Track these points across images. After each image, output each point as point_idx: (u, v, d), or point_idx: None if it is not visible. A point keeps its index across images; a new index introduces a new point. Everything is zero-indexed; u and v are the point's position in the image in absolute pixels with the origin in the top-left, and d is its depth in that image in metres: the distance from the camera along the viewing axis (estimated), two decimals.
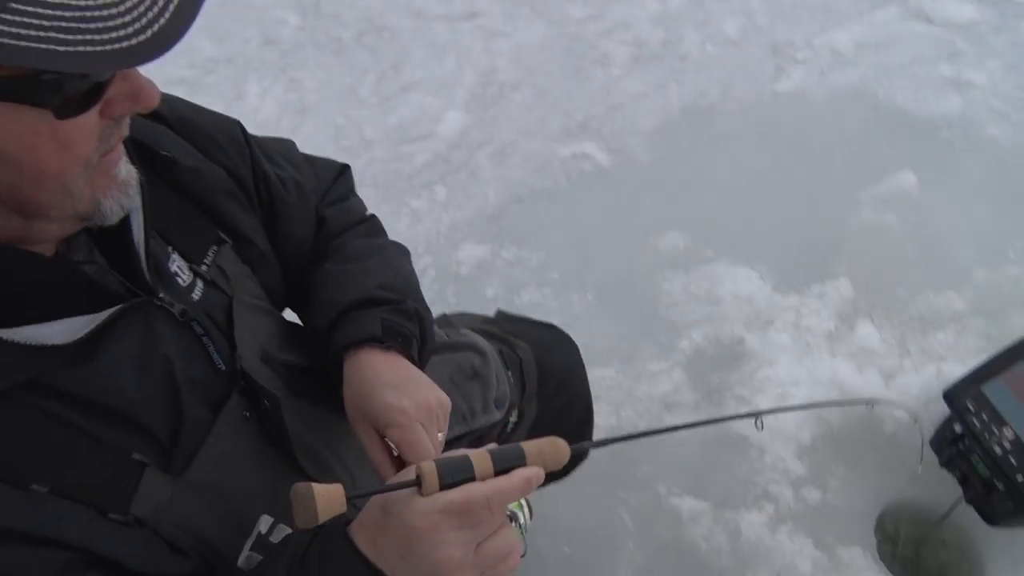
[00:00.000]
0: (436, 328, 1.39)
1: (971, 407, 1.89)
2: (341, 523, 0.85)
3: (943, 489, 2.04)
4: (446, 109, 3.71)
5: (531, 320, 1.81)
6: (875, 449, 2.15)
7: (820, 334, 2.38)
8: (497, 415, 1.44)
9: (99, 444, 0.83)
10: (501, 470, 0.85)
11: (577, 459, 1.49)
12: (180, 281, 0.97)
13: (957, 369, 2.01)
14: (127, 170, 0.80)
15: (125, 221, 0.85)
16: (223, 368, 0.98)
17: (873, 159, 2.97)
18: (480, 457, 0.84)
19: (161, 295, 0.90)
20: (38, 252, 0.78)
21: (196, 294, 0.99)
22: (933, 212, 2.74)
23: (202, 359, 0.96)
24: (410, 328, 1.13)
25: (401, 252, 1.33)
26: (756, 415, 1.26)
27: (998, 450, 1.82)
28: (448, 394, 1.10)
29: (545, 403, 1.59)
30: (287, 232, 1.21)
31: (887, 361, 2.30)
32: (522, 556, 0.92)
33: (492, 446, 0.89)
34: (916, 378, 2.20)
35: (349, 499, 0.79)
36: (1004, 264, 2.51)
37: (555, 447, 0.90)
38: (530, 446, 0.88)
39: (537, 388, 1.56)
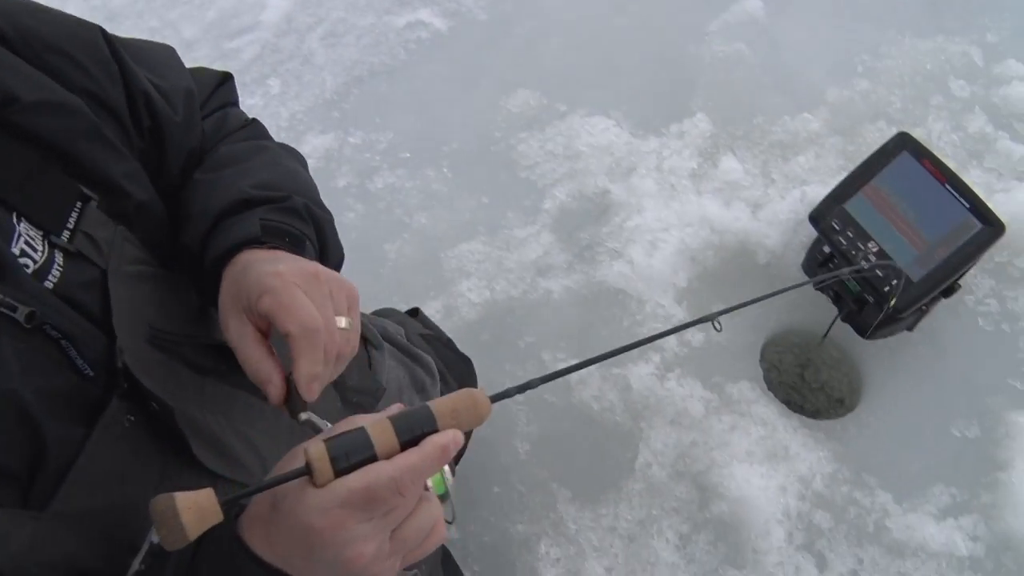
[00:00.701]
0: (395, 324, 1.53)
1: (836, 226, 1.88)
2: (229, 521, 0.70)
3: (819, 311, 2.06)
4: None
5: (453, 345, 1.83)
6: (751, 282, 2.14)
7: (684, 174, 2.32)
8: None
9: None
10: (408, 441, 0.69)
11: None
12: (28, 262, 0.75)
13: (821, 191, 2.00)
14: None
15: None
16: (91, 374, 0.79)
17: None
18: (380, 428, 0.68)
19: None
20: None
21: (53, 276, 0.78)
22: (781, 36, 2.68)
23: (63, 367, 0.77)
24: (299, 227, 0.97)
25: (290, 153, 1.15)
26: (711, 318, 1.15)
27: (865, 264, 1.82)
28: (400, 394, 1.26)
29: None
30: (177, 161, 1.01)
31: (753, 192, 2.26)
32: (450, 523, 0.79)
33: (396, 407, 0.74)
34: (783, 205, 2.19)
35: (225, 505, 0.64)
36: (854, 79, 2.49)
37: (472, 401, 0.72)
38: (441, 405, 0.71)
39: None
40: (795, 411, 2.01)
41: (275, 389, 0.82)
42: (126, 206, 0.89)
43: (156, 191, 0.96)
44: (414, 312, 1.84)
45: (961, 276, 1.82)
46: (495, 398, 0.75)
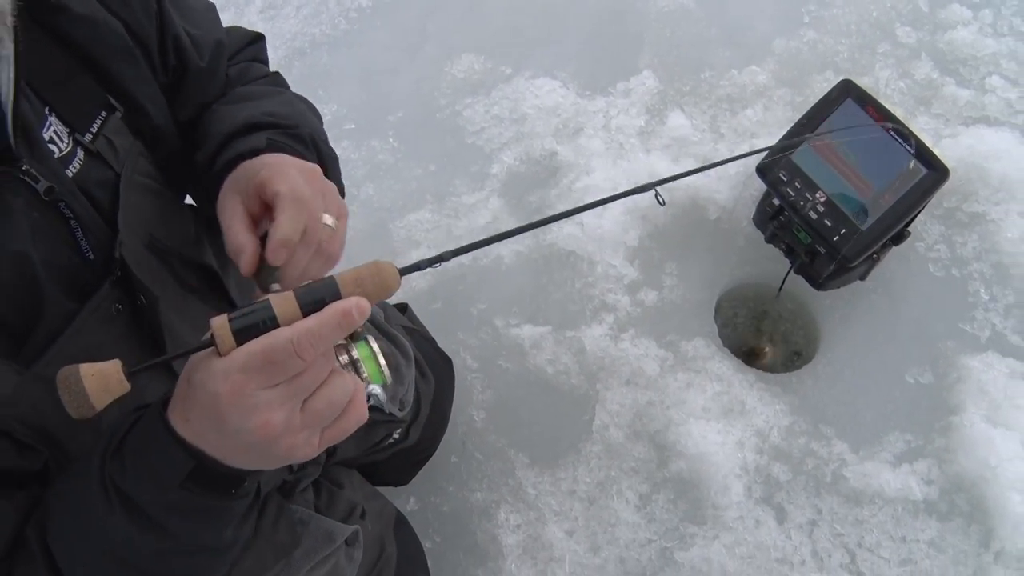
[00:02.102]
0: (376, 307, 1.58)
1: (784, 177, 1.87)
2: (160, 401, 0.75)
3: (772, 264, 2.05)
4: None
5: (434, 342, 1.85)
6: (703, 238, 2.12)
7: (632, 132, 2.29)
8: (397, 412, 1.48)
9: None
10: (312, 312, 0.68)
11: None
12: (55, 150, 0.85)
13: (769, 143, 1.97)
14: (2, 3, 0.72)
15: None
16: (91, 257, 0.88)
17: None
18: (282, 299, 0.69)
19: (25, 167, 0.78)
20: None
21: (74, 167, 0.87)
22: None
23: (68, 245, 0.86)
24: (303, 152, 1.02)
25: (304, 101, 1.25)
26: (651, 187, 1.16)
27: (814, 215, 1.81)
28: None
29: (422, 437, 1.67)
30: (195, 99, 1.10)
31: (702, 148, 2.24)
32: (400, 420, 0.83)
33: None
34: None
35: (131, 374, 0.68)
36: (800, 29, 2.46)
37: (377, 269, 0.73)
38: (345, 275, 0.72)
39: (424, 424, 1.64)
40: (753, 365, 2.01)
41: (247, 258, 0.86)
42: (145, 125, 0.99)
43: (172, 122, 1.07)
44: (403, 308, 1.85)
45: (910, 223, 1.82)
46: (404, 271, 0.76)
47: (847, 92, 1.84)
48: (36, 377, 0.80)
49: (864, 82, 1.84)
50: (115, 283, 0.90)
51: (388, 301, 1.71)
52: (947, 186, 1.79)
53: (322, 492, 1.38)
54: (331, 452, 1.40)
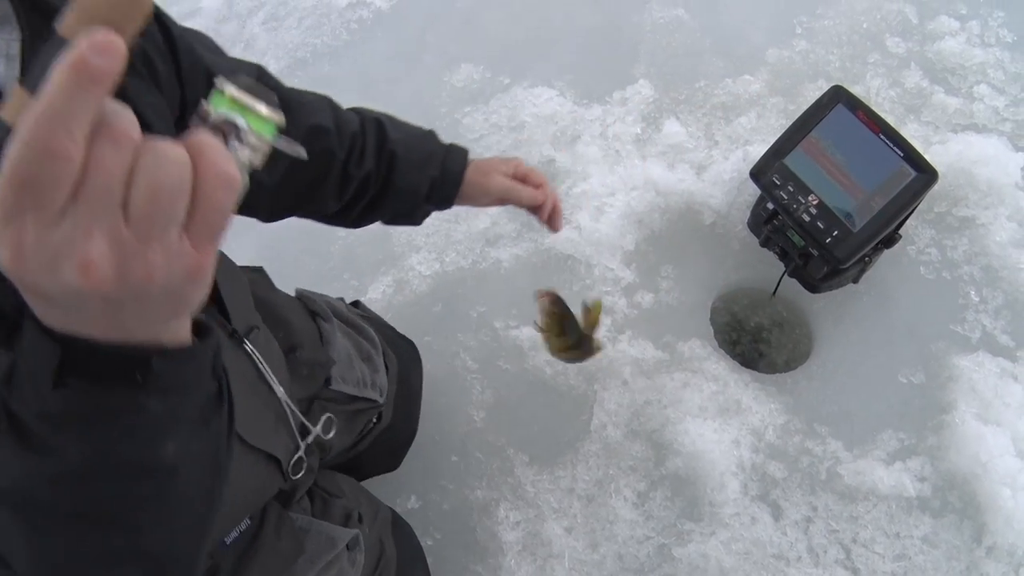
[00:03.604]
0: (339, 305, 1.67)
1: (777, 181, 1.90)
2: None
3: (767, 268, 2.09)
4: None
5: (393, 329, 1.91)
6: (698, 242, 2.16)
7: (628, 140, 2.33)
8: (378, 398, 1.54)
9: None
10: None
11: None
12: None
13: (763, 150, 2.01)
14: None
15: None
16: None
17: None
18: (12, 100, 0.52)
19: None
20: None
21: None
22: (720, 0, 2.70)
23: None
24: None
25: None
26: None
27: (807, 218, 1.85)
28: (351, 365, 1.44)
29: (396, 414, 1.70)
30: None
31: (697, 154, 2.28)
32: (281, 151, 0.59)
33: None
34: (726, 165, 2.20)
35: None
36: (792, 39, 2.51)
37: None
38: (66, 18, 0.52)
39: (394, 403, 1.67)
40: (750, 367, 2.04)
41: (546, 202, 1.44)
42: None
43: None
44: (355, 303, 1.88)
45: (900, 225, 1.85)
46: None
47: (838, 98, 1.88)
48: None
49: (855, 91, 1.88)
50: None
51: (350, 285, 1.82)
52: (937, 191, 1.83)
53: (316, 501, 1.40)
54: (325, 449, 1.42)
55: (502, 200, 1.42)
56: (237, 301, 1.15)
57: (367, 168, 1.30)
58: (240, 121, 0.53)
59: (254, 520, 1.19)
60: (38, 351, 0.52)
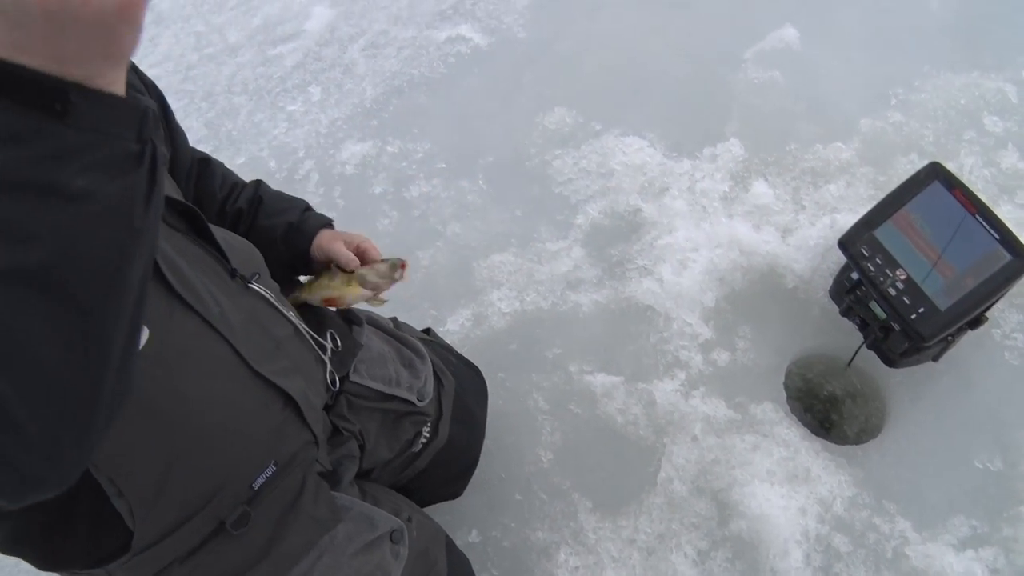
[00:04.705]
0: (387, 321, 1.80)
1: (865, 253, 1.90)
2: None
3: (844, 337, 2.08)
4: (312, 4, 3.50)
5: (459, 355, 1.92)
6: (777, 305, 2.16)
7: (715, 196, 2.35)
8: (415, 400, 1.58)
9: None
10: None
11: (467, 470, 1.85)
12: None
13: (850, 218, 2.02)
14: None
15: None
16: None
17: (754, 15, 2.91)
18: None
19: None
20: None
21: None
22: (816, 65, 2.72)
23: None
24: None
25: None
26: None
27: (892, 292, 1.84)
28: (384, 364, 1.56)
29: (453, 436, 1.71)
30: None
31: (783, 217, 2.29)
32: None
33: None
34: (812, 231, 2.21)
35: None
36: (886, 111, 2.51)
37: None
38: None
39: (451, 422, 1.69)
40: (817, 435, 2.03)
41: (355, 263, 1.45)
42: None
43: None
44: (427, 331, 1.96)
45: (988, 308, 1.84)
46: None
47: (935, 174, 1.87)
48: None
49: (949, 167, 1.88)
50: None
51: (430, 314, 1.89)
52: None
53: (367, 497, 1.44)
54: (362, 446, 1.48)
55: (327, 256, 1.52)
56: (237, 253, 1.26)
57: (239, 206, 1.53)
58: None
59: (291, 481, 1.24)
60: None
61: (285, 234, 1.51)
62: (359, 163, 2.75)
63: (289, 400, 1.22)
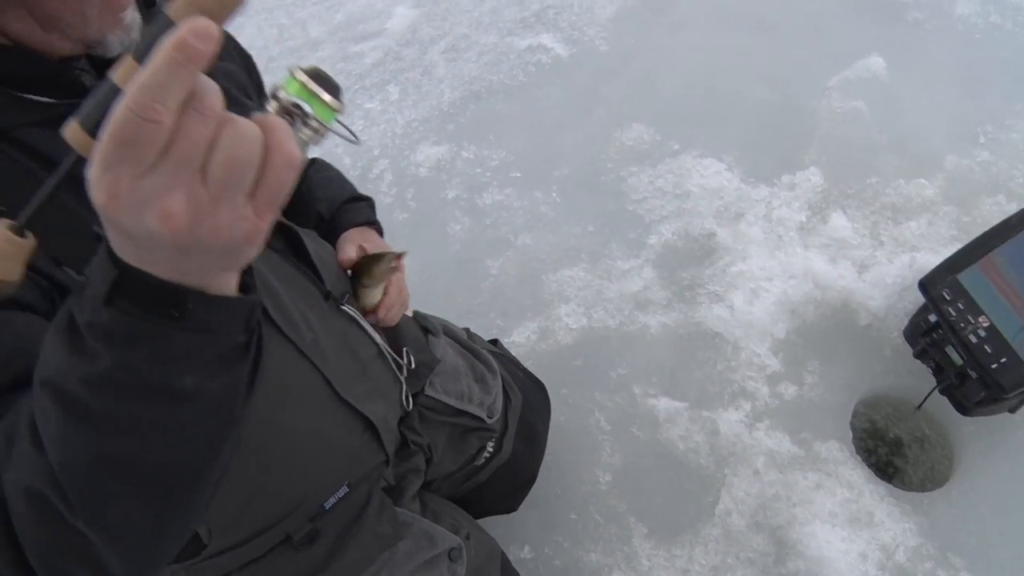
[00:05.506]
0: (457, 330, 1.76)
1: (947, 296, 1.85)
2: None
3: (916, 380, 2.03)
4: (395, 4, 3.53)
5: (526, 369, 1.92)
6: (849, 342, 2.12)
7: (792, 226, 2.32)
8: (485, 417, 1.58)
9: (61, 204, 0.72)
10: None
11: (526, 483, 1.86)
12: None
13: (930, 258, 1.98)
14: (132, 17, 0.89)
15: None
16: None
17: (840, 42, 2.87)
18: (121, 68, 0.57)
19: None
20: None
21: None
22: (902, 97, 2.66)
23: None
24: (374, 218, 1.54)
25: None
26: None
27: (973, 339, 1.79)
28: (458, 378, 1.55)
29: (516, 451, 1.71)
30: None
31: (860, 252, 2.25)
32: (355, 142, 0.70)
33: None
34: (890, 268, 2.16)
35: (19, 229, 0.60)
36: (974, 149, 2.45)
37: None
38: (175, 1, 0.57)
39: (515, 437, 1.70)
40: (883, 478, 1.99)
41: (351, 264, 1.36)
42: None
43: None
44: (494, 341, 1.95)
45: None
46: None
47: None
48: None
49: None
50: None
51: (496, 323, 1.87)
52: None
53: (427, 512, 1.45)
54: (428, 459, 1.48)
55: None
56: (329, 270, 1.28)
57: None
58: (306, 107, 0.61)
59: (357, 496, 1.26)
60: (100, 271, 0.60)
61: (317, 226, 1.48)
62: (433, 166, 2.77)
63: (369, 424, 1.25)
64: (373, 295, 1.35)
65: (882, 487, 1.93)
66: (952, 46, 2.80)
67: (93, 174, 0.53)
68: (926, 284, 1.90)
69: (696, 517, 1.91)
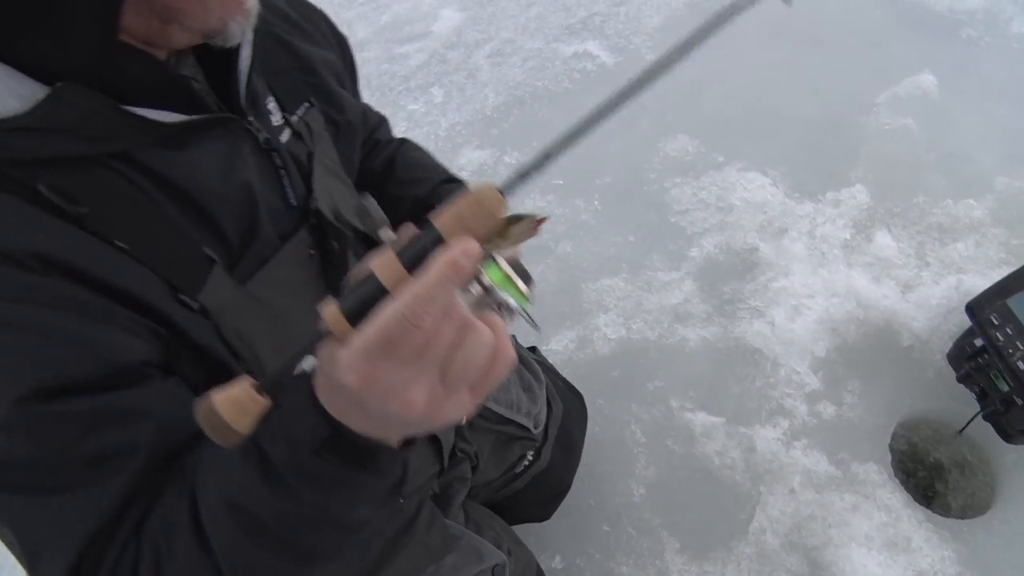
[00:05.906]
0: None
1: (995, 321, 1.82)
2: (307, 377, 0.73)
3: (958, 404, 2.00)
4: (441, 6, 3.54)
5: (564, 379, 1.93)
6: (890, 363, 2.10)
7: (836, 243, 2.30)
8: (531, 427, 1.59)
9: (176, 227, 0.85)
10: (417, 264, 0.61)
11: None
12: (272, 120, 1.05)
13: (977, 281, 1.95)
14: (253, 4, 0.88)
15: (234, 52, 0.93)
16: (295, 204, 1.03)
17: (890, 58, 2.84)
18: (384, 263, 0.62)
19: (251, 119, 0.97)
20: (154, 55, 0.84)
21: (283, 138, 1.06)
22: (953, 115, 2.63)
23: (276, 190, 1.01)
24: None
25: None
26: None
27: (1022, 365, 1.76)
28: (508, 387, 1.52)
29: (553, 460, 1.73)
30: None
31: (905, 272, 2.22)
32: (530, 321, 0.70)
33: (408, 229, 0.65)
34: (935, 289, 2.13)
35: (263, 390, 0.64)
36: None
37: (477, 200, 0.62)
38: (444, 216, 0.62)
39: (554, 446, 1.71)
40: (921, 503, 1.96)
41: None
42: (340, 119, 1.21)
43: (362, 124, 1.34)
44: (531, 348, 1.94)
45: None
46: (504, 187, 0.64)
47: None
48: (248, 293, 0.93)
49: None
50: (310, 229, 1.04)
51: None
52: None
53: (470, 524, 1.45)
54: (474, 467, 1.48)
55: None
56: None
57: (374, 167, 1.47)
58: (512, 304, 0.64)
59: (409, 506, 1.26)
60: (309, 424, 0.68)
61: (412, 209, 1.42)
62: (476, 170, 2.77)
63: (433, 437, 1.26)
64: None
65: (920, 512, 1.90)
66: (1006, 64, 2.76)
67: (350, 359, 0.59)
68: (973, 308, 1.88)
69: (729, 534, 1.90)
